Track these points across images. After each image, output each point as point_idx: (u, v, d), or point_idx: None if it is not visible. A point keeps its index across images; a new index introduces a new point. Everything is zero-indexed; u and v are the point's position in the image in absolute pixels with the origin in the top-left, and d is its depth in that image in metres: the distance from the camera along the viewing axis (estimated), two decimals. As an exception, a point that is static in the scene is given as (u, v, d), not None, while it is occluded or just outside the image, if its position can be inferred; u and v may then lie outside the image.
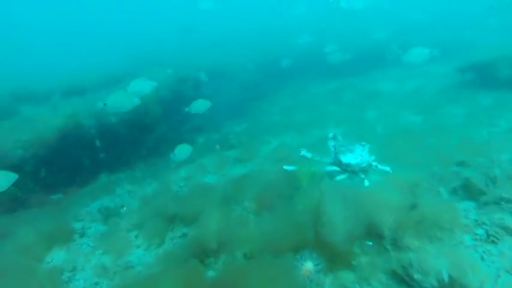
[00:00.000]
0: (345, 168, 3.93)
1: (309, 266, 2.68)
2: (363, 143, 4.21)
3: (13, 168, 6.46)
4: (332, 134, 4.58)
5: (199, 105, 6.43)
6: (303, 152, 4.50)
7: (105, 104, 5.17)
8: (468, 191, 3.58)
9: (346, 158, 3.89)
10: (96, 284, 3.47)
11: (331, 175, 3.93)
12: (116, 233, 4.19)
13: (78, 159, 7.30)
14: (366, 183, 3.79)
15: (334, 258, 2.76)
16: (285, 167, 4.27)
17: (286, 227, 2.95)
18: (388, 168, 4.00)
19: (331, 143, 4.40)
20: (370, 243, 2.89)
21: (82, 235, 4.27)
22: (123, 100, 5.29)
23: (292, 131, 7.59)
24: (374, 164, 4.01)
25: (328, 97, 11.32)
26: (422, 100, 9.06)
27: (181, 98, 9.95)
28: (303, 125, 8.03)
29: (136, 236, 4.03)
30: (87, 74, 10.37)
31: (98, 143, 7.76)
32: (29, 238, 3.98)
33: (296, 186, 3.74)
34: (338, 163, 3.98)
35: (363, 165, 3.90)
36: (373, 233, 2.93)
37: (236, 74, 13.14)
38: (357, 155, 3.92)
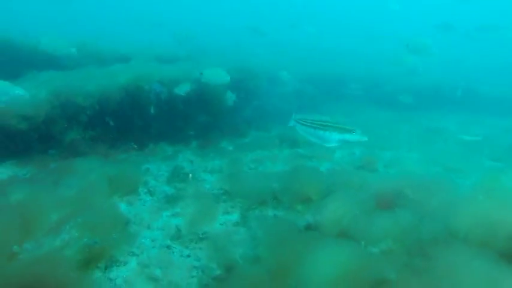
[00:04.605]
0: None
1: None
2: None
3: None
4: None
5: None
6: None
7: (201, 74, 5.75)
8: None
9: None
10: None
11: None
12: (183, 199, 3.66)
13: (133, 121, 6.95)
14: None
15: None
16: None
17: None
18: None
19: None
20: None
21: (147, 192, 3.75)
22: (216, 75, 6.03)
23: (359, 146, 7.00)
24: None
25: (384, 124, 10.75)
26: (497, 147, 8.32)
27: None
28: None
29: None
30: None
31: (152, 110, 7.42)
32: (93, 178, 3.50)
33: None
34: None
35: None
36: None
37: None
38: None
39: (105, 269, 2.68)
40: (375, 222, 2.44)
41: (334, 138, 3.32)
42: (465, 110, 12.90)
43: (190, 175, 4.21)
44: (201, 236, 3.07)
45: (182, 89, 6.58)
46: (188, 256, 2.90)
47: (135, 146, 6.49)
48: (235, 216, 3.37)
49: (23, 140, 5.83)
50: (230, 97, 7.37)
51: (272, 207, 3.39)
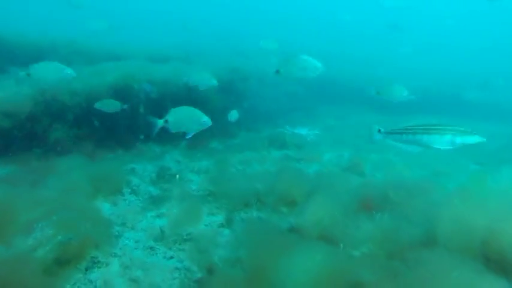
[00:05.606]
0: None
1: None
2: None
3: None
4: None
5: None
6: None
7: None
8: None
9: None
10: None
11: None
12: (168, 200, 3.62)
13: (121, 120, 6.85)
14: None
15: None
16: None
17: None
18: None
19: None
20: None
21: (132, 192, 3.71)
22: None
23: (347, 146, 7.06)
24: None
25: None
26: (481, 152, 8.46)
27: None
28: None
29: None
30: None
31: (141, 109, 7.34)
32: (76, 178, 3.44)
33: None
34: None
35: None
36: None
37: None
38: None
39: (86, 270, 2.64)
40: (355, 225, 2.46)
41: (447, 140, 3.01)
42: (454, 114, 13.13)
43: (178, 176, 4.18)
44: (185, 237, 3.05)
45: (113, 107, 5.43)
46: (171, 257, 2.87)
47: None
48: (220, 218, 3.36)
49: (6, 137, 5.69)
50: (234, 115, 7.02)
51: (257, 209, 3.40)
